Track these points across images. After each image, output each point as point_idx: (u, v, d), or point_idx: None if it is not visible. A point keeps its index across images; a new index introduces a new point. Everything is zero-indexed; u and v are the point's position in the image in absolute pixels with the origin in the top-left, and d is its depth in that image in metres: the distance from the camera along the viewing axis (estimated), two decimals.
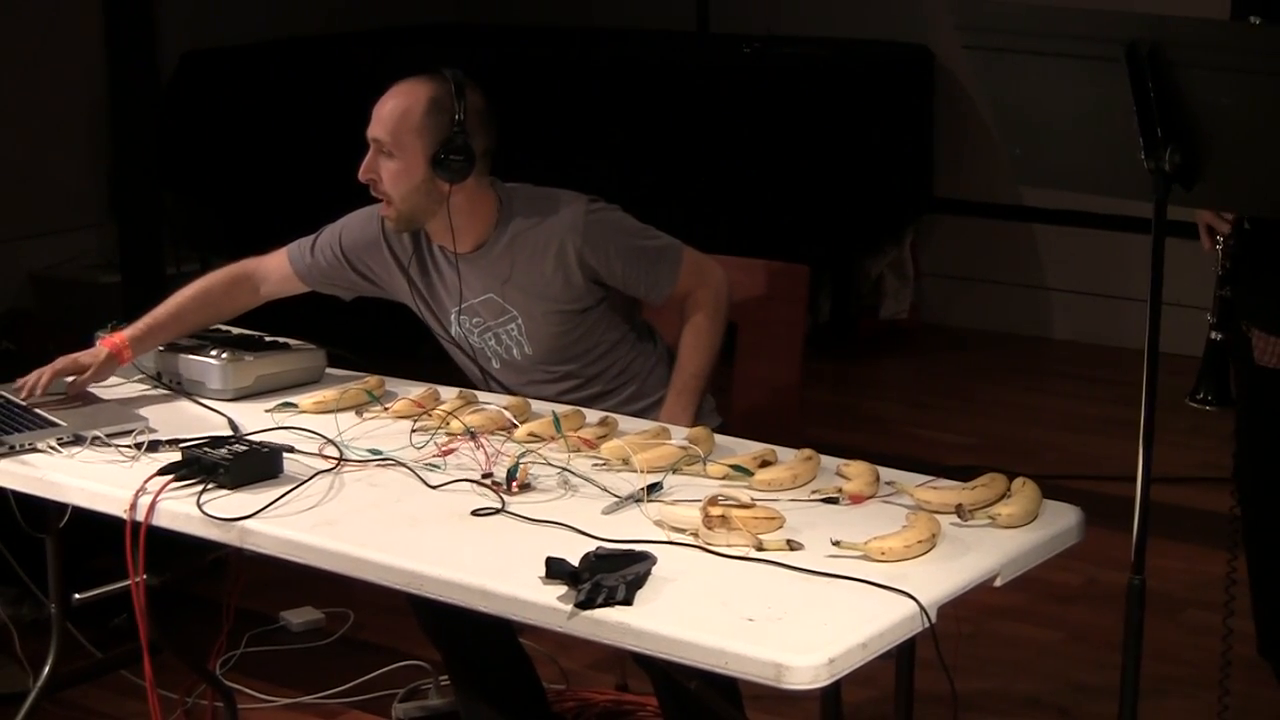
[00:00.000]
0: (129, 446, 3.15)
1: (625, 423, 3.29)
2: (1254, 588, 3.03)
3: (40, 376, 3.45)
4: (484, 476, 2.96)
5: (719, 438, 3.19)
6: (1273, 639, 3.02)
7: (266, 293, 3.73)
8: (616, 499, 2.87)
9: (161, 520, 2.91)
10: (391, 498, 2.93)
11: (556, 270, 3.49)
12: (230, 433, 3.24)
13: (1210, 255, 2.94)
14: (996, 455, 5.59)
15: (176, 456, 3.04)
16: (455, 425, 3.19)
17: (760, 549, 2.63)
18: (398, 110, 3.43)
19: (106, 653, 4.15)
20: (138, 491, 2.93)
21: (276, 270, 3.73)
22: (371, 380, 3.51)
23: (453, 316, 3.59)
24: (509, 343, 3.56)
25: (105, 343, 3.53)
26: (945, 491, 2.83)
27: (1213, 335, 2.93)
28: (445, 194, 3.44)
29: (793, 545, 2.64)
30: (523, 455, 3.01)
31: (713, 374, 3.56)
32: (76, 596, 3.63)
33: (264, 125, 7.28)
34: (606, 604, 2.45)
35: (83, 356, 3.50)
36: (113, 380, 3.62)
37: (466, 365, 3.67)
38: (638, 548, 2.61)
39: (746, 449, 3.13)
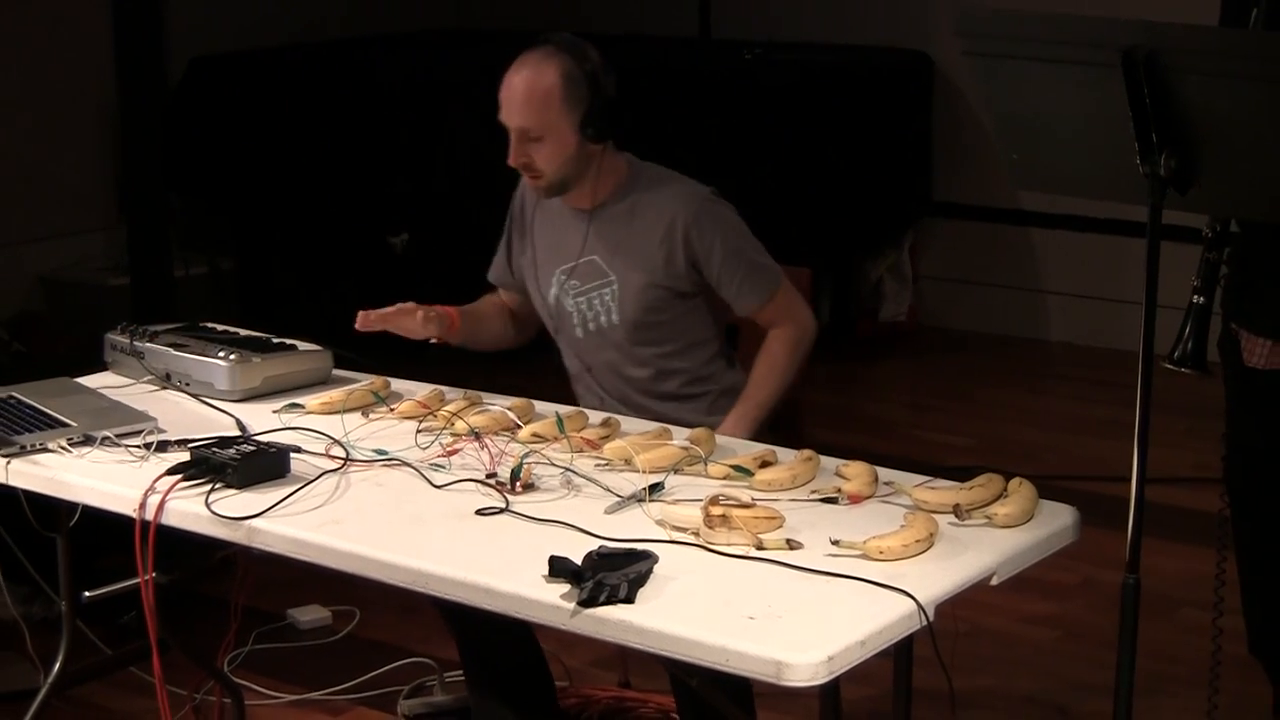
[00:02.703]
0: (138, 446, 3.16)
1: (627, 423, 3.30)
2: (1244, 587, 3.04)
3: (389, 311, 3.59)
4: (488, 476, 2.97)
5: (720, 438, 3.20)
6: (1263, 637, 3.03)
7: (519, 327, 3.88)
8: (619, 499, 2.87)
9: (170, 519, 2.92)
10: (397, 497, 2.94)
11: (662, 244, 3.54)
12: (238, 433, 3.25)
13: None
14: (993, 456, 5.60)
15: (185, 456, 3.05)
16: (460, 426, 3.20)
17: (760, 548, 2.64)
18: (537, 96, 3.47)
19: (116, 650, 4.15)
20: (147, 491, 2.94)
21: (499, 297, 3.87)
22: (377, 381, 3.52)
23: (555, 276, 3.63)
24: (599, 309, 3.59)
25: (443, 309, 3.65)
26: (943, 491, 2.84)
27: (1195, 299, 2.92)
28: (595, 154, 3.53)
29: (792, 544, 2.65)
30: (526, 455, 3.02)
31: (777, 407, 3.58)
32: (86, 594, 3.63)
33: (270, 129, 7.29)
34: (609, 602, 2.46)
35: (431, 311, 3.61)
36: (121, 380, 3.63)
37: (554, 328, 3.72)
38: (640, 547, 2.62)
39: (747, 449, 3.13)
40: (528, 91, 3.47)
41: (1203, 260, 2.92)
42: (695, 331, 3.65)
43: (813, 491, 2.91)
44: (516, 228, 3.78)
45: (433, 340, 3.66)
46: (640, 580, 2.51)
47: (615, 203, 3.59)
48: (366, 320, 3.58)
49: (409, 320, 3.61)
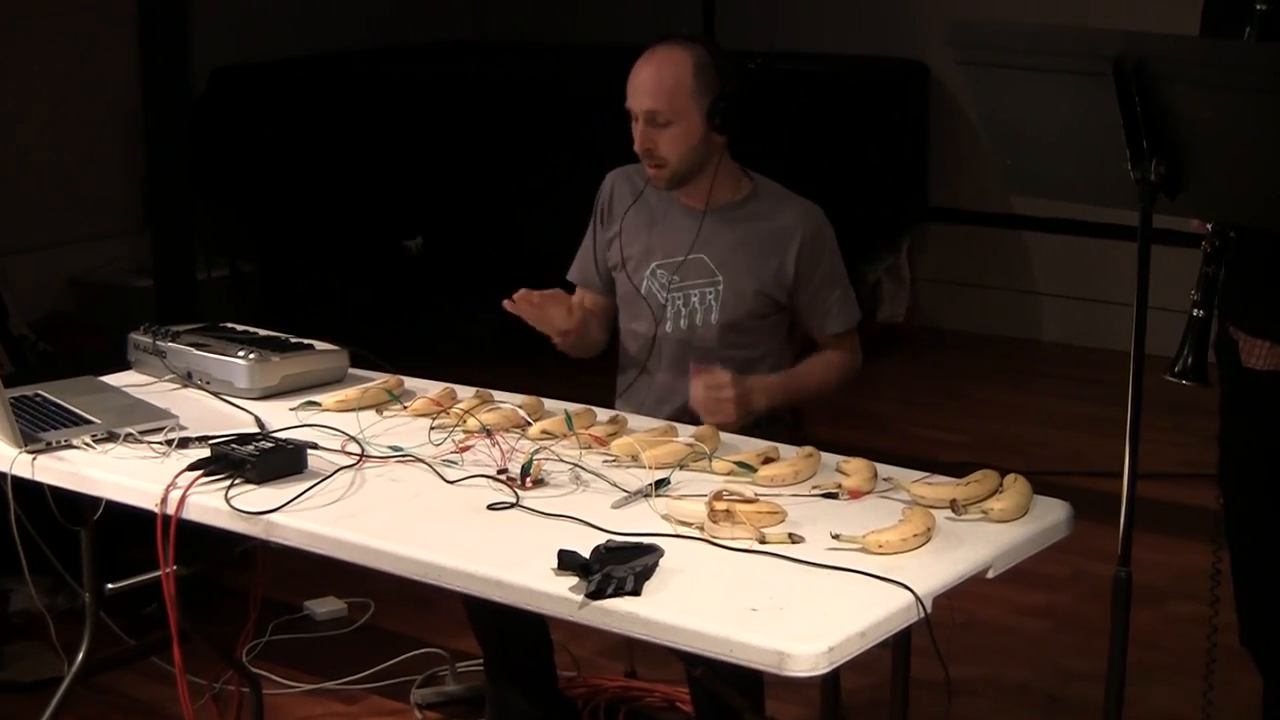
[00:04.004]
0: (160, 443, 3.15)
1: (634, 421, 3.29)
2: (1236, 581, 3.02)
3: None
4: (499, 472, 2.96)
5: (724, 435, 3.19)
6: (1253, 629, 3.01)
7: (603, 331, 3.79)
8: (626, 494, 2.86)
9: (191, 514, 2.90)
10: (411, 492, 2.93)
11: (777, 253, 3.53)
12: (257, 430, 3.24)
13: (1199, 232, 2.91)
14: (989, 452, 5.58)
15: (205, 453, 3.04)
16: (472, 423, 3.19)
17: (763, 542, 2.63)
18: (669, 81, 3.46)
19: (138, 640, 4.15)
20: (168, 486, 2.92)
21: (581, 299, 3.78)
22: (391, 380, 3.51)
23: (651, 268, 3.60)
24: (697, 306, 3.57)
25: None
26: (940, 487, 2.83)
27: (1195, 312, 2.90)
28: (717, 148, 3.51)
29: (794, 538, 2.64)
30: (536, 452, 3.00)
31: (800, 400, 3.59)
32: (109, 586, 3.63)
33: (290, 137, 7.29)
34: (616, 594, 2.44)
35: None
36: (144, 379, 3.62)
37: (631, 317, 3.67)
38: (646, 540, 2.60)
39: (750, 446, 3.12)
40: (659, 75, 3.47)
41: (1202, 274, 2.88)
42: (773, 342, 3.63)
43: (814, 487, 2.90)
44: (603, 221, 3.73)
45: (557, 340, 3.60)
46: (646, 573, 2.50)
47: (735, 208, 3.57)
48: (527, 300, 3.50)
49: (557, 309, 3.55)
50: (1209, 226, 2.88)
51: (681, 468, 2.99)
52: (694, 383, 3.43)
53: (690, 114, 3.46)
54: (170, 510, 2.90)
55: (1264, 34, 2.69)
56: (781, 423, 3.60)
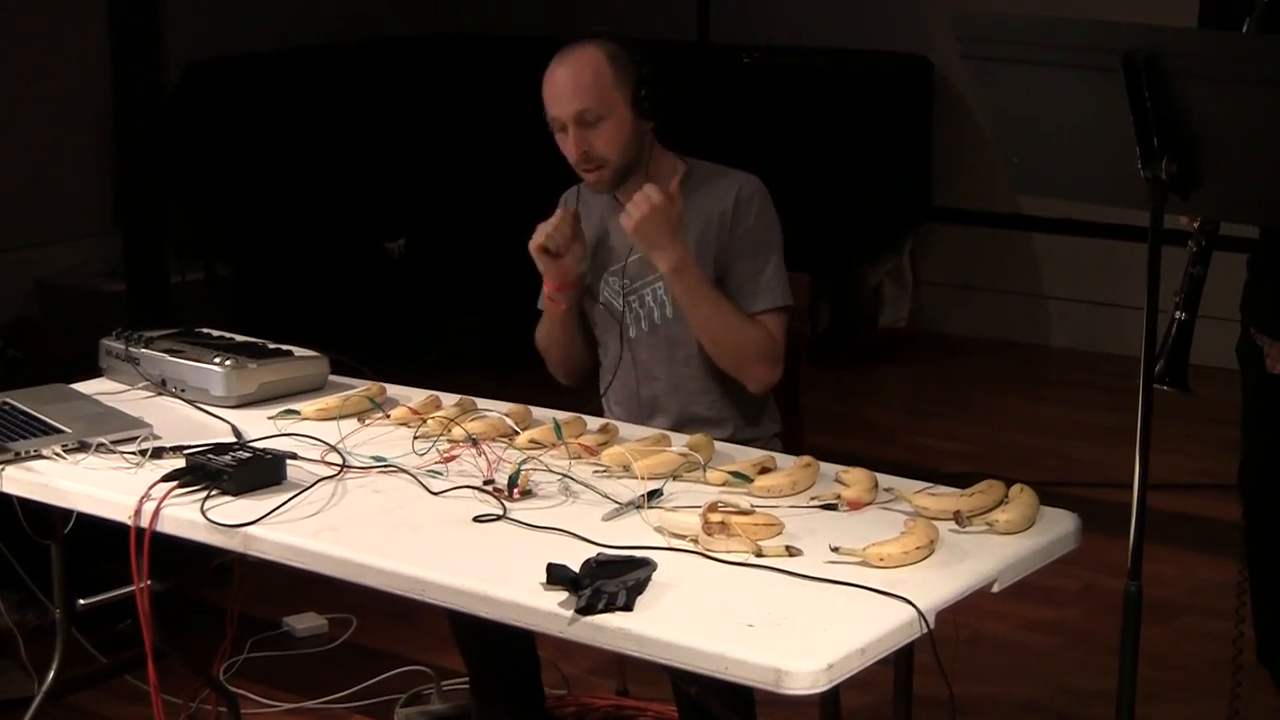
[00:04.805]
0: (133, 453, 3.15)
1: (626, 429, 3.29)
2: (1255, 595, 3.03)
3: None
4: (485, 483, 2.96)
5: (718, 444, 3.19)
6: (1272, 646, 3.02)
7: (584, 349, 3.75)
8: (617, 505, 2.87)
9: (166, 526, 2.91)
10: (394, 504, 2.93)
11: (712, 226, 3.51)
12: (234, 439, 3.24)
13: (1186, 229, 2.91)
14: (994, 462, 5.60)
15: (181, 463, 3.04)
16: (457, 432, 3.19)
17: (760, 555, 2.63)
18: (589, 76, 3.47)
19: (111, 658, 4.15)
20: (142, 498, 2.93)
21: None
22: (373, 387, 3.51)
23: (604, 278, 3.59)
24: (652, 305, 3.55)
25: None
26: (943, 498, 2.83)
27: (1178, 315, 2.89)
28: (647, 135, 3.53)
29: (792, 551, 2.64)
30: (524, 462, 3.01)
31: (699, 318, 3.45)
32: (81, 602, 3.62)
33: (267, 134, 7.29)
34: (607, 610, 2.45)
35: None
36: (116, 387, 3.62)
37: (602, 330, 3.66)
38: (638, 554, 2.61)
39: (746, 455, 3.13)
40: (577, 74, 3.48)
41: (1186, 275, 2.88)
42: None
43: (812, 498, 2.90)
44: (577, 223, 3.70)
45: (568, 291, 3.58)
46: (639, 587, 2.51)
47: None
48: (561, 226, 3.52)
49: (573, 253, 3.53)
50: (1195, 225, 2.88)
51: (675, 478, 3.00)
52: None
53: (618, 105, 3.47)
54: (144, 523, 2.91)
55: (1266, 26, 2.70)
56: (774, 433, 3.61)
